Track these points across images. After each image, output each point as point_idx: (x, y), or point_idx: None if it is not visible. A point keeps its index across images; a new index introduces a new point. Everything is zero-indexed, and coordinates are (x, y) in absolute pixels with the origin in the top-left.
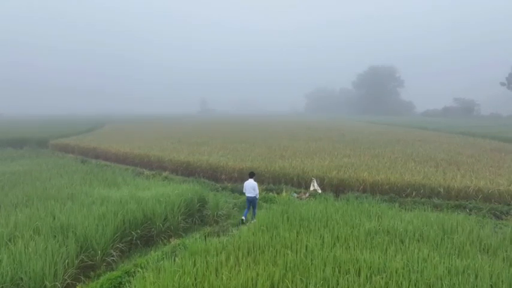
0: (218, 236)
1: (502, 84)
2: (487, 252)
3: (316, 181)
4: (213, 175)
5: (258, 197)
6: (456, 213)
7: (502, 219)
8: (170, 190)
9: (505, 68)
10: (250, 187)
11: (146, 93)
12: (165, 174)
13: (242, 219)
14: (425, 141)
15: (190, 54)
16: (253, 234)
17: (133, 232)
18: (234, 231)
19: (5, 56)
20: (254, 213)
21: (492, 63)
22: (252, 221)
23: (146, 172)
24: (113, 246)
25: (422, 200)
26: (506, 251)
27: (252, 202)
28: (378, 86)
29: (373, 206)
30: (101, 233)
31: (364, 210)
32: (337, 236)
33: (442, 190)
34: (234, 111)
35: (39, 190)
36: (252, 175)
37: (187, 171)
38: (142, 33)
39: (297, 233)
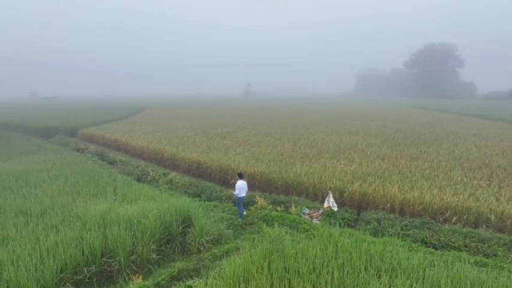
0: (187, 278)
1: None
2: None
3: (333, 195)
4: (223, 178)
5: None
6: (509, 259)
7: None
8: (156, 206)
9: None
10: (244, 187)
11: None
12: (171, 175)
13: (244, 214)
14: (480, 136)
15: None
16: None
17: (85, 269)
18: (211, 269)
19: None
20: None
21: None
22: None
23: (152, 173)
24: None
25: (464, 230)
26: None
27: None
28: (434, 66)
29: (388, 247)
30: (40, 275)
31: (376, 255)
32: None
33: (493, 218)
34: (278, 94)
35: (14, 202)
36: (241, 176)
37: (198, 171)
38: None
39: None
